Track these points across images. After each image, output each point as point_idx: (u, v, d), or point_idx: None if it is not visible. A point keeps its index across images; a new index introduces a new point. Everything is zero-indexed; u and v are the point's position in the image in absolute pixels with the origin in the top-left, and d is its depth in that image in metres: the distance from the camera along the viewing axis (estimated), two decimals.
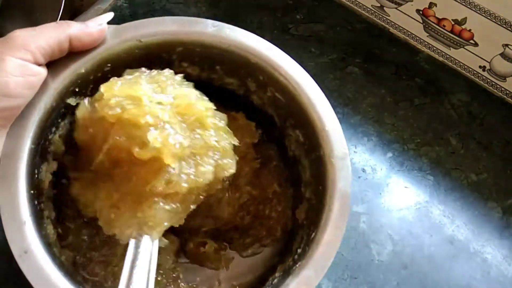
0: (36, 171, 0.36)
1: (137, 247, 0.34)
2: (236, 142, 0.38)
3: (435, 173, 0.54)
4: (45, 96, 0.36)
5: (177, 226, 0.36)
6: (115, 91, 0.34)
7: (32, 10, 0.59)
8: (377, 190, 0.52)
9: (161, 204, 0.34)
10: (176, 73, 0.39)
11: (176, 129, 0.34)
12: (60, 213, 0.41)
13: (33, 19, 0.58)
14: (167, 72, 0.38)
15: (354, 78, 0.60)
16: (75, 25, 0.36)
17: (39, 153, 0.37)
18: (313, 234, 0.37)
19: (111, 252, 0.41)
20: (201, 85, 0.40)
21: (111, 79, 0.36)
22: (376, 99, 0.59)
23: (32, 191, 0.35)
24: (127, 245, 0.35)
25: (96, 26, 0.37)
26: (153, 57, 0.41)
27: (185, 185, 0.34)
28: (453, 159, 0.55)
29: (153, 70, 0.38)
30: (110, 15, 0.39)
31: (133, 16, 0.63)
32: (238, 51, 0.41)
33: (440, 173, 0.54)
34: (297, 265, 0.36)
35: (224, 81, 0.45)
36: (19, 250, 0.32)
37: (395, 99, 0.59)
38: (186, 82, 0.38)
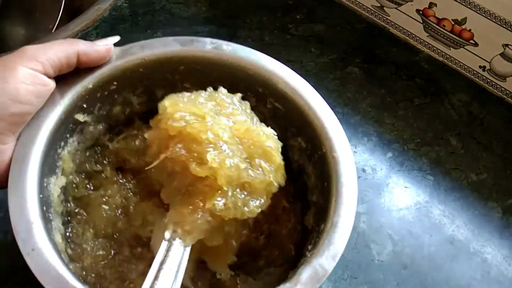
0: (45, 180, 0.37)
1: (168, 249, 0.35)
2: (283, 182, 0.39)
3: (435, 173, 0.54)
4: (54, 107, 0.38)
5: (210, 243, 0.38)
6: (180, 107, 0.37)
7: (32, 10, 0.59)
8: (377, 190, 0.52)
9: (202, 214, 0.36)
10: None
11: (234, 151, 0.36)
12: (72, 233, 0.42)
13: (33, 19, 0.58)
14: (224, 90, 0.40)
15: (354, 78, 0.60)
16: (83, 42, 0.38)
17: (49, 165, 0.38)
18: (323, 226, 0.37)
19: (130, 269, 0.41)
20: None
21: (171, 95, 0.39)
22: (376, 99, 0.59)
23: (41, 195, 0.36)
24: (149, 262, 0.35)
25: (103, 45, 0.39)
26: (157, 77, 0.43)
27: (232, 214, 0.36)
28: (453, 159, 0.55)
29: (209, 88, 0.41)
30: (116, 38, 0.41)
31: (133, 16, 0.63)
32: (237, 63, 0.43)
33: (440, 173, 0.54)
34: (309, 255, 0.35)
35: None
36: (27, 248, 0.32)
37: (395, 99, 0.59)
38: (243, 102, 0.40)
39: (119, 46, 0.41)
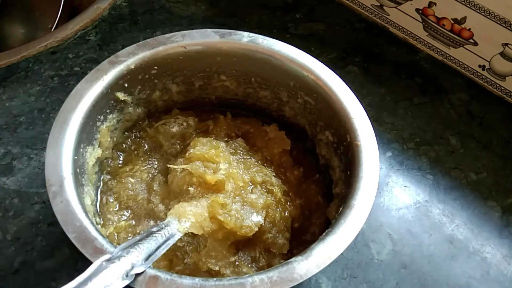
0: (82, 146, 0.40)
1: (164, 226, 0.37)
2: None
3: (434, 172, 0.54)
4: (97, 81, 0.41)
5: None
6: (201, 142, 0.44)
7: (31, 10, 0.59)
8: (377, 190, 0.52)
9: (206, 214, 0.40)
10: (216, 88, 0.48)
11: (241, 169, 0.43)
12: (101, 203, 0.45)
13: (32, 18, 0.58)
14: (240, 140, 0.47)
15: (353, 77, 0.60)
16: None
17: (87, 133, 0.41)
18: (341, 209, 0.38)
19: None
20: (238, 105, 0.50)
21: (196, 139, 0.45)
22: (375, 98, 0.59)
23: (76, 157, 0.39)
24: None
25: None
26: (196, 67, 0.46)
27: (229, 222, 0.40)
28: (452, 158, 0.55)
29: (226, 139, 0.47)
30: None
31: (132, 15, 0.63)
32: (271, 56, 0.45)
33: (440, 172, 0.54)
34: (324, 232, 0.36)
35: (258, 95, 0.49)
36: (56, 199, 0.35)
37: (395, 98, 0.59)
38: (250, 152, 0.47)
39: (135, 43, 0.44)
